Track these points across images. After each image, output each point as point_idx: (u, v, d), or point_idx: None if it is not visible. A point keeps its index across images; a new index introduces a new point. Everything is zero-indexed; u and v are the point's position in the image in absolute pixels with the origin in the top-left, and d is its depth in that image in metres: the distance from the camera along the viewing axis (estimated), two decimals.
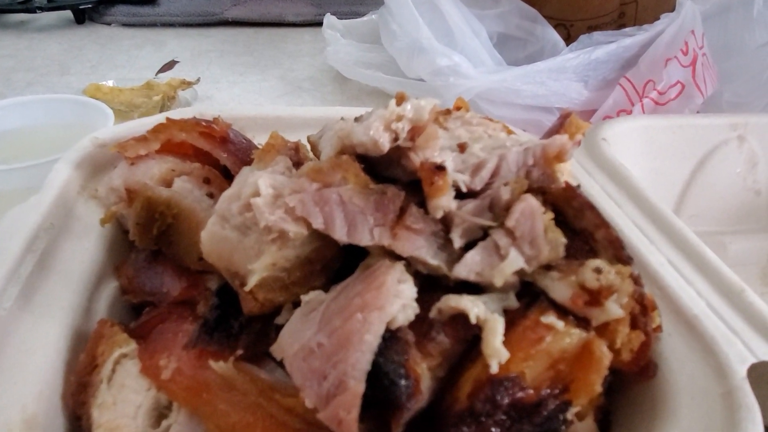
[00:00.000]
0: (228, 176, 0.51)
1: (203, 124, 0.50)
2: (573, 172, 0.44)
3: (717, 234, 0.72)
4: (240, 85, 1.08)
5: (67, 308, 0.42)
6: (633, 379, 0.40)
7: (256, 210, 0.33)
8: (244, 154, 0.51)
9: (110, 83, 1.02)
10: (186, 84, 1.00)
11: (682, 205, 0.72)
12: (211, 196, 0.48)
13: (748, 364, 0.37)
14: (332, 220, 0.33)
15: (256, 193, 0.34)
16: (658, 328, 0.40)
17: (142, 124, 0.57)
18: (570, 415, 0.35)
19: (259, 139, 0.58)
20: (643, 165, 0.67)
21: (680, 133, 0.70)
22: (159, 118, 0.58)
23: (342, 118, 0.48)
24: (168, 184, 0.48)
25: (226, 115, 0.61)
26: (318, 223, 0.33)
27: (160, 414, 0.37)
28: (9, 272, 0.40)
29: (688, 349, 0.39)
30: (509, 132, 0.48)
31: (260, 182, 0.34)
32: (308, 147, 0.45)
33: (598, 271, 0.34)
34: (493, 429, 0.34)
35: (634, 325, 0.37)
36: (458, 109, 0.50)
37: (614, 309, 0.33)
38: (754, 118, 0.72)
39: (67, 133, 0.72)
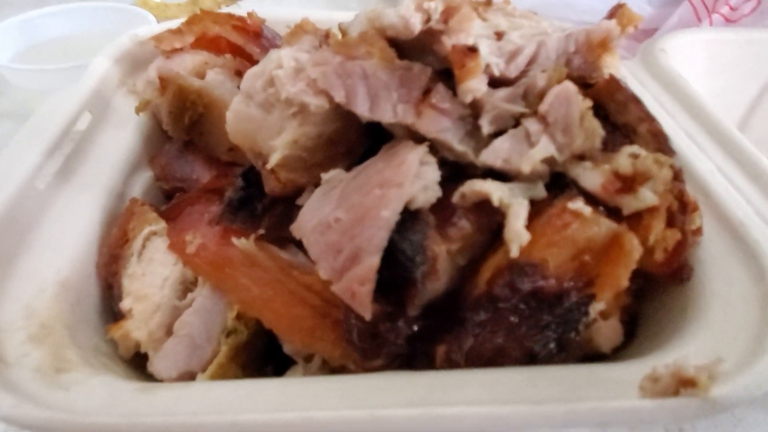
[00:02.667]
0: None
1: (236, 17, 0.49)
2: (620, 73, 0.41)
3: None
4: (285, 0, 1.06)
5: (102, 189, 0.43)
6: (664, 283, 0.38)
7: (278, 82, 0.33)
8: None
9: None
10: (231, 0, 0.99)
11: (746, 128, 0.67)
12: None
13: None
14: (354, 93, 0.32)
15: (279, 66, 0.33)
16: (698, 231, 0.37)
17: (179, 23, 0.57)
18: (593, 310, 0.34)
19: None
20: (705, 82, 0.62)
21: (749, 49, 0.64)
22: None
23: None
24: (201, 76, 0.48)
25: (265, 17, 0.60)
26: (339, 96, 0.32)
27: (186, 288, 0.38)
28: (47, 151, 0.42)
29: (728, 254, 0.37)
30: None
31: (283, 55, 0.33)
32: (338, 35, 0.44)
33: (634, 156, 0.32)
34: (510, 317, 0.34)
35: (670, 222, 0.35)
36: None
37: (648, 196, 0.31)
38: None
39: (111, 40, 0.73)
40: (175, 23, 0.53)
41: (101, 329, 0.37)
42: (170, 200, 0.46)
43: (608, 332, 0.37)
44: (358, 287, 0.31)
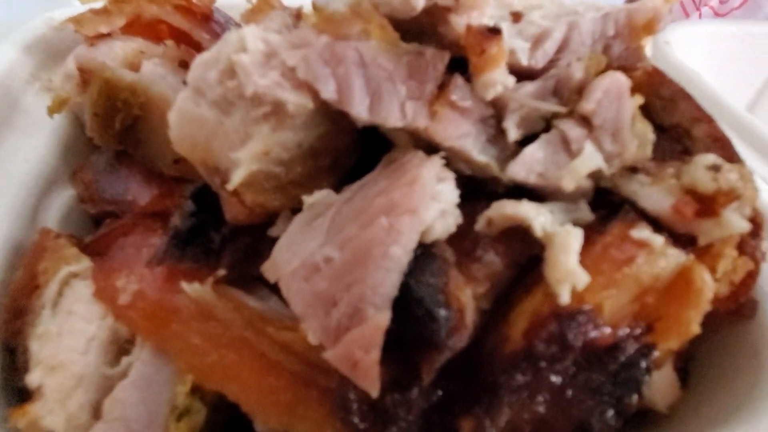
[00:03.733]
0: None
1: None
2: None
3: None
4: None
5: (5, 217, 0.33)
6: (724, 321, 0.31)
7: (241, 71, 0.24)
8: None
9: None
10: None
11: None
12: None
13: None
14: (349, 86, 0.24)
15: (242, 50, 0.24)
16: (764, 256, 0.31)
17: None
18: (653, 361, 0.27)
19: None
20: (707, 74, 0.57)
21: (750, 42, 0.59)
22: None
23: None
24: (136, 68, 0.38)
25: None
26: (328, 91, 0.24)
27: (119, 349, 0.29)
28: None
29: None
30: None
31: (247, 34, 0.24)
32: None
33: (715, 168, 0.25)
34: (553, 377, 0.26)
35: (740, 249, 0.28)
36: None
37: (737, 221, 0.24)
38: None
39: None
40: (99, 2, 0.43)
41: (1, 414, 0.27)
42: (97, 228, 0.36)
43: (662, 385, 0.30)
44: (361, 355, 0.23)
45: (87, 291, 0.30)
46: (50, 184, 0.37)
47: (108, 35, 0.40)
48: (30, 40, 0.43)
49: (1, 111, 0.38)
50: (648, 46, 0.47)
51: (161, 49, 0.40)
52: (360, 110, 0.24)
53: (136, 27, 0.41)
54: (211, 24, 0.41)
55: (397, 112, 0.24)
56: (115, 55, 0.38)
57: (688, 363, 0.32)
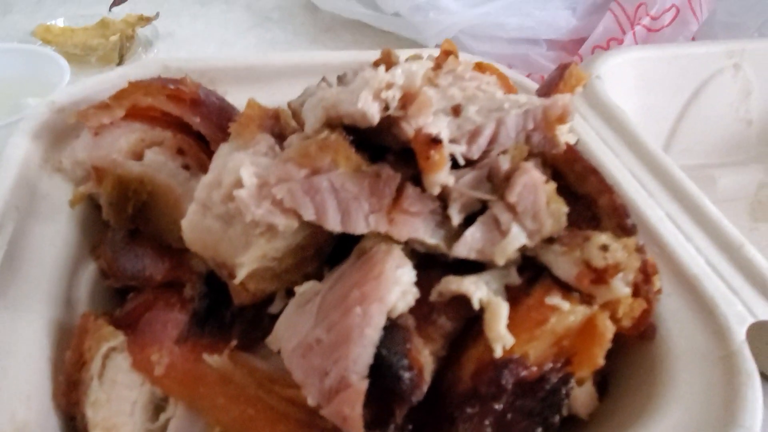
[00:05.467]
0: (203, 141, 0.47)
1: (170, 87, 0.46)
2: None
3: (706, 167, 0.71)
4: (203, 18, 1.00)
5: (45, 300, 0.39)
6: (631, 342, 0.40)
7: (241, 204, 0.31)
8: (219, 117, 0.47)
9: (60, 22, 0.93)
10: (144, 20, 0.92)
11: (674, 139, 0.71)
12: (186, 167, 0.45)
13: (747, 324, 0.37)
14: (324, 209, 0.31)
15: (239, 183, 0.31)
16: (659, 291, 0.39)
17: (103, 81, 0.52)
18: (571, 387, 0.35)
19: (233, 94, 0.54)
20: (637, 100, 0.65)
21: (675, 64, 0.67)
22: (121, 74, 0.53)
23: (324, 79, 0.44)
24: (138, 156, 0.45)
25: (192, 67, 0.56)
26: (309, 215, 0.31)
27: (157, 407, 0.36)
28: None
29: (687, 309, 0.39)
30: (504, 84, 0.45)
31: (243, 172, 0.31)
32: (289, 114, 0.42)
33: (604, 248, 0.33)
34: (496, 406, 0.34)
35: (636, 293, 0.36)
36: (447, 54, 0.46)
37: (620, 287, 0.33)
38: (751, 44, 0.69)
39: (16, 89, 0.66)
40: (100, 85, 0.49)
41: None
42: (122, 295, 0.43)
43: (584, 398, 0.38)
44: (348, 411, 0.30)
45: (125, 363, 0.37)
46: (76, 262, 0.43)
47: (110, 124, 0.46)
48: (36, 128, 0.48)
49: (25, 200, 0.44)
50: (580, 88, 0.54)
51: (159, 135, 0.46)
52: (334, 225, 0.31)
53: (134, 113, 0.47)
54: (200, 107, 0.47)
55: (362, 222, 0.32)
56: (120, 147, 0.44)
57: (606, 378, 0.41)
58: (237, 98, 0.51)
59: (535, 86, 0.55)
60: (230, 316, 0.36)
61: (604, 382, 0.40)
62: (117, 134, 0.45)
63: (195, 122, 0.46)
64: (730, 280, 0.40)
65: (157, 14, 0.93)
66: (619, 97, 0.58)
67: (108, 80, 0.52)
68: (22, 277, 0.40)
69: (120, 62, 0.87)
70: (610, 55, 0.64)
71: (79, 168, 0.46)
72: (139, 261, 0.42)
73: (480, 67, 0.45)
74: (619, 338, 0.39)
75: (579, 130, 0.53)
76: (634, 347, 0.40)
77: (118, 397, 0.35)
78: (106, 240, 0.45)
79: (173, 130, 0.46)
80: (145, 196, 0.43)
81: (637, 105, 0.65)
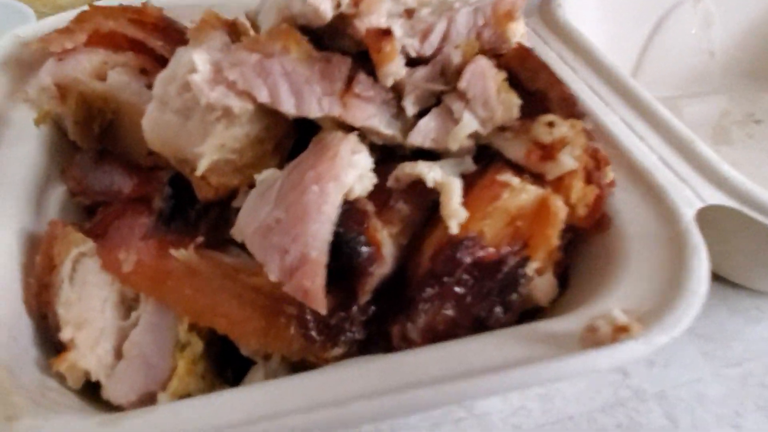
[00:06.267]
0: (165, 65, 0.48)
1: (131, 9, 0.46)
2: (526, 35, 0.42)
3: (672, 98, 0.72)
4: None
5: (14, 215, 0.40)
6: (589, 234, 0.41)
7: (195, 88, 0.31)
8: (182, 40, 0.48)
9: None
10: None
11: (639, 71, 0.72)
12: (150, 87, 0.45)
13: (696, 208, 0.39)
14: (277, 91, 0.32)
15: (193, 71, 0.32)
16: (612, 183, 0.40)
17: (67, 19, 0.52)
18: (530, 270, 0.37)
19: None
20: (599, 30, 0.66)
21: None
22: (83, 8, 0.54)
23: None
24: (102, 77, 0.45)
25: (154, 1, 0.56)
26: (263, 96, 0.32)
27: (127, 306, 0.37)
28: None
29: (639, 200, 0.40)
30: None
31: (195, 58, 0.32)
32: (247, 24, 0.42)
33: (550, 125, 0.34)
34: (456, 288, 0.35)
35: (588, 180, 0.38)
36: None
37: (568, 161, 0.34)
38: None
39: None
40: (64, 22, 0.49)
41: (44, 364, 0.35)
42: (92, 214, 0.44)
43: (545, 287, 0.39)
44: (309, 284, 0.31)
45: (95, 265, 0.38)
46: (45, 182, 0.44)
47: (73, 49, 0.47)
48: (2, 60, 0.49)
49: None
50: (537, 10, 0.55)
51: (122, 58, 0.46)
52: (288, 108, 0.32)
53: (97, 39, 0.47)
54: (162, 31, 0.48)
55: (315, 106, 0.33)
56: (84, 68, 0.45)
57: (567, 270, 0.42)
58: None
59: None
60: (195, 214, 0.37)
61: (564, 273, 0.42)
62: (80, 58, 0.46)
63: (157, 45, 0.47)
64: (680, 171, 0.41)
65: None
66: (582, 26, 0.59)
67: (72, 17, 0.53)
68: None
69: None
70: None
71: (44, 94, 0.47)
72: (108, 177, 0.43)
73: None
74: (577, 232, 0.40)
75: (539, 51, 0.54)
76: (592, 240, 0.41)
77: (89, 296, 0.36)
78: (74, 162, 0.45)
79: (136, 53, 0.46)
80: (110, 115, 0.43)
81: (601, 35, 0.66)
